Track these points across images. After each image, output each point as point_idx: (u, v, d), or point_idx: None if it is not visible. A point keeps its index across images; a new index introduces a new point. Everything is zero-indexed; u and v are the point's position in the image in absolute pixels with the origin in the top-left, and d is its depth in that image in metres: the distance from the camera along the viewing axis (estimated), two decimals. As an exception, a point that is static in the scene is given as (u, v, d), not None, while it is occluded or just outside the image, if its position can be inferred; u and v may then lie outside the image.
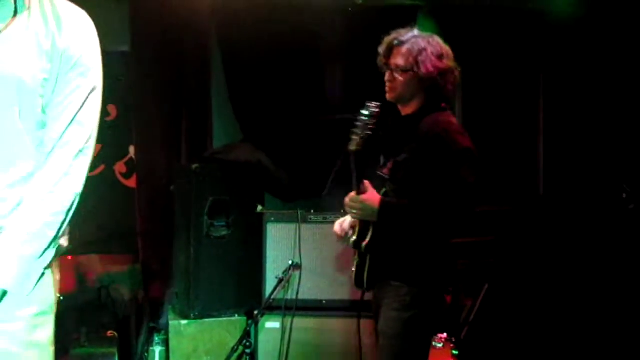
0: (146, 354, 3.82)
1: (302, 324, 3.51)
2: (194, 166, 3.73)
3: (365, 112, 2.35)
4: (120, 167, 4.31)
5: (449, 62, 2.43)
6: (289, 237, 3.59)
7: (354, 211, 2.42)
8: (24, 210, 1.51)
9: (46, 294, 1.57)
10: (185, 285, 3.73)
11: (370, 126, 2.33)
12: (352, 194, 2.41)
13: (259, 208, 3.71)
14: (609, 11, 4.19)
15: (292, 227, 3.59)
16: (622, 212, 3.99)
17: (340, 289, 3.54)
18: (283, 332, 3.49)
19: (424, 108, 2.45)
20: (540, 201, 4.75)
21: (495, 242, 4.14)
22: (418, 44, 2.42)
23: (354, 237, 2.51)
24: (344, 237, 2.65)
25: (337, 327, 3.50)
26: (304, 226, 3.59)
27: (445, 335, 3.35)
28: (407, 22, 4.27)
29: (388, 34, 2.54)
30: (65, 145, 1.55)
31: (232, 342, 3.49)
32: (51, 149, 1.55)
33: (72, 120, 1.56)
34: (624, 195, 3.93)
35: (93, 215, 3.87)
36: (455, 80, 2.48)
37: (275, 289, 3.50)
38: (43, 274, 1.54)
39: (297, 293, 3.52)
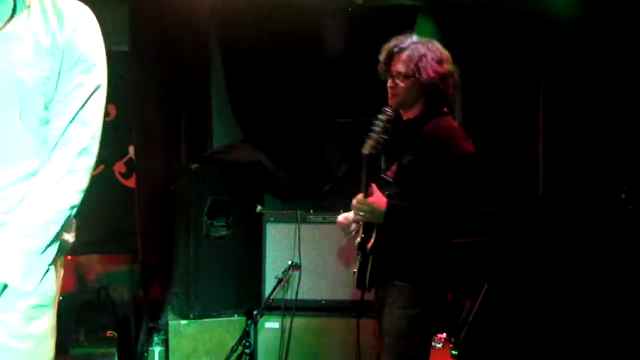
0: (145, 354, 3.82)
1: (302, 324, 3.51)
2: (193, 166, 3.74)
3: (381, 116, 2.39)
4: (119, 167, 4.31)
5: (448, 66, 2.48)
6: (289, 237, 3.59)
7: (361, 213, 2.44)
8: (28, 206, 1.51)
9: (47, 287, 1.56)
10: (184, 285, 3.73)
11: (386, 131, 2.37)
12: (360, 196, 2.43)
13: (259, 208, 3.71)
14: (609, 11, 4.19)
15: (291, 227, 3.60)
16: (621, 213, 3.99)
17: (339, 289, 3.54)
18: (282, 332, 3.49)
19: (426, 113, 2.51)
20: (539, 201, 4.75)
21: (494, 243, 4.14)
22: (418, 50, 2.47)
23: (359, 239, 2.54)
24: (346, 228, 2.68)
25: (336, 327, 3.50)
26: (303, 226, 3.59)
27: (444, 335, 3.35)
28: (407, 22, 4.33)
29: (387, 40, 2.59)
30: (68, 143, 1.55)
31: (232, 342, 3.49)
32: (54, 146, 1.55)
33: (74, 118, 1.56)
34: (623, 196, 3.93)
35: (92, 215, 3.85)
36: (455, 84, 2.53)
37: (274, 289, 3.50)
38: (48, 270, 1.54)
39: (297, 293, 3.52)
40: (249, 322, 3.52)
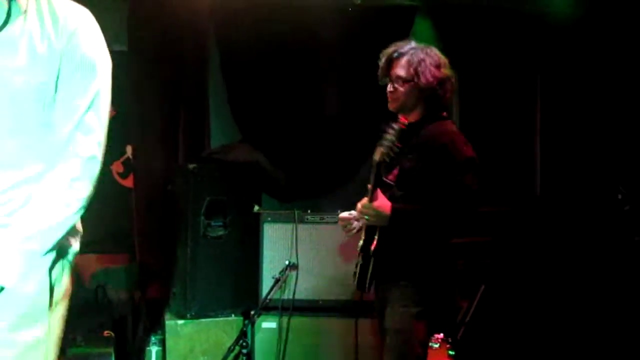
0: (143, 354, 3.81)
1: (299, 324, 3.51)
2: (191, 166, 3.73)
3: (395, 125, 2.43)
4: (117, 167, 4.31)
5: (446, 71, 2.56)
6: (286, 237, 3.59)
7: (367, 217, 2.50)
8: (32, 210, 1.50)
9: (42, 297, 1.53)
10: (181, 285, 3.73)
11: (398, 142, 2.41)
12: (365, 200, 2.49)
13: (256, 208, 3.71)
14: (606, 13, 4.20)
15: (288, 227, 3.60)
16: (617, 213, 3.99)
17: (336, 289, 3.54)
18: (279, 332, 3.49)
19: (426, 117, 2.58)
20: (536, 202, 4.76)
21: (491, 243, 4.14)
22: (417, 55, 2.54)
23: (361, 241, 2.59)
24: (348, 224, 2.72)
25: (333, 327, 3.50)
26: (300, 226, 3.59)
27: (441, 335, 3.34)
28: (405, 22, 4.34)
29: (385, 40, 2.65)
30: (74, 151, 1.53)
31: (229, 342, 3.49)
32: (61, 153, 1.53)
33: (78, 124, 1.54)
34: (620, 197, 3.94)
35: (89, 215, 3.85)
36: (452, 89, 2.61)
37: (271, 289, 3.50)
38: (49, 278, 1.52)
39: (294, 293, 3.52)
40: (246, 322, 3.52)
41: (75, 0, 1.63)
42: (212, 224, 3.69)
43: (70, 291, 1.65)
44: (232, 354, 3.45)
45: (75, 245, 1.63)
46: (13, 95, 1.48)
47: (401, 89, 2.55)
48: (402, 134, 2.42)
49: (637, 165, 4.14)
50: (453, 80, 2.59)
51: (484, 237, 4.04)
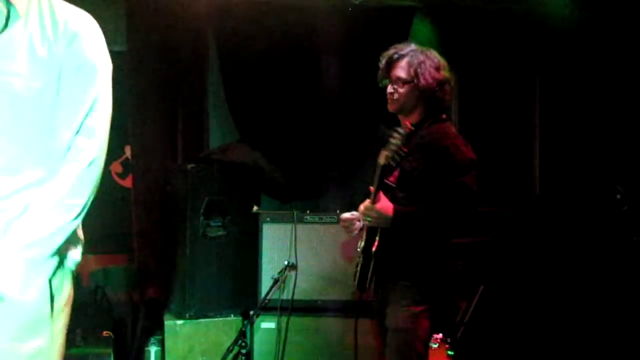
0: (142, 355, 3.81)
1: (298, 324, 3.51)
2: (189, 166, 3.74)
3: (401, 130, 2.45)
4: (116, 167, 4.32)
5: (445, 74, 2.59)
6: (285, 238, 3.59)
7: (369, 219, 2.53)
8: (31, 217, 1.48)
9: (43, 305, 1.51)
10: (180, 285, 3.73)
11: (404, 148, 2.43)
12: (367, 203, 2.52)
13: (255, 208, 3.71)
14: (604, 14, 4.20)
15: (287, 227, 3.60)
16: (616, 214, 4.00)
17: (335, 290, 3.55)
18: (278, 333, 3.49)
19: (425, 119, 2.61)
20: (535, 202, 4.76)
21: (490, 243, 4.15)
22: (417, 57, 2.57)
23: (362, 243, 2.61)
24: (350, 224, 2.73)
25: (332, 327, 3.51)
26: (299, 227, 3.59)
27: (440, 335, 3.35)
28: (404, 23, 4.34)
29: (384, 40, 2.70)
30: (76, 156, 1.53)
31: (228, 343, 3.49)
32: (62, 158, 1.52)
33: (80, 128, 1.53)
34: (618, 197, 3.94)
35: (88, 216, 3.86)
36: (451, 91, 2.65)
37: (270, 289, 3.51)
38: (50, 285, 1.50)
39: (293, 293, 3.53)
40: (245, 322, 3.52)
41: (75, 1, 1.62)
42: (211, 224, 3.69)
43: (71, 300, 1.63)
44: (231, 354, 3.45)
45: (76, 254, 1.61)
46: (13, 100, 1.47)
47: (401, 90, 2.57)
48: (408, 137, 2.44)
49: (635, 166, 4.15)
50: (452, 82, 2.62)
51: (482, 237, 4.04)
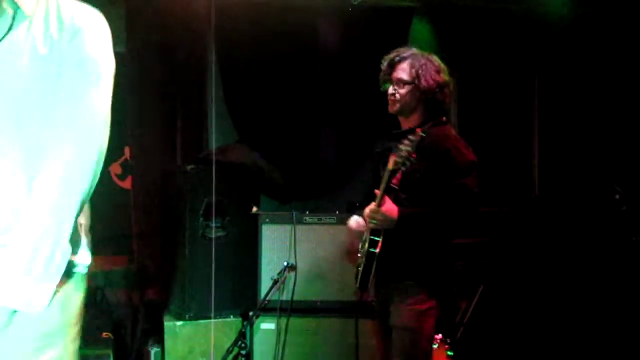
0: (142, 356, 3.81)
1: (297, 325, 3.51)
2: (189, 167, 3.73)
3: (412, 137, 2.47)
4: (115, 169, 4.31)
5: (445, 77, 2.64)
6: (284, 239, 3.59)
7: (374, 222, 2.56)
8: (26, 224, 1.42)
9: (54, 315, 1.47)
10: (180, 286, 3.73)
11: (413, 154, 2.45)
12: (373, 206, 2.55)
13: (254, 209, 3.71)
14: (603, 14, 4.21)
15: (287, 228, 3.60)
16: (615, 214, 4.00)
17: (335, 290, 3.55)
18: (278, 333, 3.49)
19: (425, 121, 2.64)
20: (535, 202, 4.77)
21: (490, 243, 4.15)
22: (419, 59, 2.63)
23: (367, 244, 2.63)
24: (361, 235, 2.77)
25: (332, 328, 3.51)
26: (299, 227, 3.59)
27: (440, 336, 3.35)
28: (403, 23, 4.35)
29: (383, 41, 2.70)
30: (72, 153, 1.47)
31: (228, 343, 3.48)
32: (57, 156, 1.46)
33: (79, 127, 1.49)
34: (617, 197, 3.95)
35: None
36: (451, 95, 2.71)
37: (270, 290, 3.50)
38: (55, 292, 1.45)
39: (292, 294, 3.52)
40: (245, 323, 3.52)
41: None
42: (211, 225, 3.69)
43: (83, 308, 1.59)
44: (231, 356, 3.44)
45: (84, 258, 1.56)
46: (15, 100, 1.44)
47: (402, 90, 2.62)
48: (417, 145, 2.45)
49: (634, 166, 4.15)
50: (451, 86, 2.68)
51: (482, 237, 4.04)
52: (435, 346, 3.33)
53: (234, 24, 4.11)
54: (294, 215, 3.61)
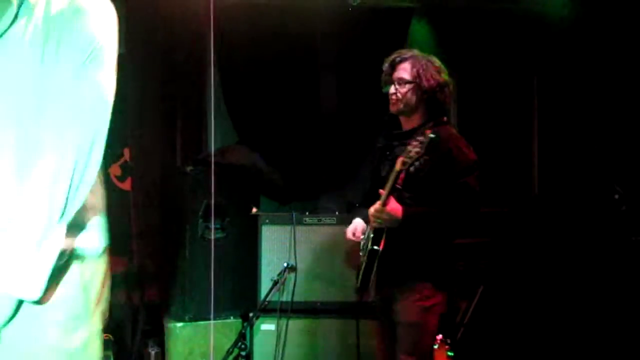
0: (142, 357, 3.81)
1: (297, 326, 3.51)
2: (188, 168, 3.73)
3: (421, 138, 2.48)
4: (115, 170, 4.31)
5: (445, 77, 2.68)
6: (284, 239, 3.59)
7: (379, 221, 2.58)
8: (21, 208, 1.42)
9: (72, 295, 1.50)
10: (180, 287, 3.73)
11: (424, 157, 2.47)
12: (377, 205, 2.56)
13: (254, 210, 3.71)
14: (602, 14, 4.21)
15: (287, 229, 3.60)
16: (614, 214, 4.00)
17: (335, 291, 3.55)
18: (278, 334, 3.49)
19: (427, 122, 2.67)
20: (534, 202, 4.77)
21: (490, 244, 4.15)
22: (420, 60, 2.67)
23: (369, 243, 2.65)
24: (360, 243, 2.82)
25: (332, 328, 3.51)
26: (298, 228, 3.59)
27: (440, 336, 3.35)
28: (402, 24, 4.35)
29: (382, 41, 2.71)
30: (69, 146, 1.47)
31: (228, 345, 3.49)
32: (53, 145, 1.45)
33: (78, 124, 1.48)
34: (617, 197, 3.95)
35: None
36: (451, 95, 2.74)
37: (270, 291, 3.50)
38: (60, 271, 1.44)
39: (292, 295, 3.52)
40: (245, 324, 3.52)
41: None
42: (210, 226, 3.69)
43: (105, 290, 1.65)
44: (231, 357, 3.45)
45: (92, 241, 1.57)
46: (16, 91, 1.42)
47: (403, 90, 2.64)
48: (426, 148, 2.46)
49: (633, 165, 4.15)
50: (451, 86, 2.71)
51: (482, 238, 4.04)
52: (435, 347, 3.33)
53: (234, 25, 4.11)
54: (293, 216, 3.61)
